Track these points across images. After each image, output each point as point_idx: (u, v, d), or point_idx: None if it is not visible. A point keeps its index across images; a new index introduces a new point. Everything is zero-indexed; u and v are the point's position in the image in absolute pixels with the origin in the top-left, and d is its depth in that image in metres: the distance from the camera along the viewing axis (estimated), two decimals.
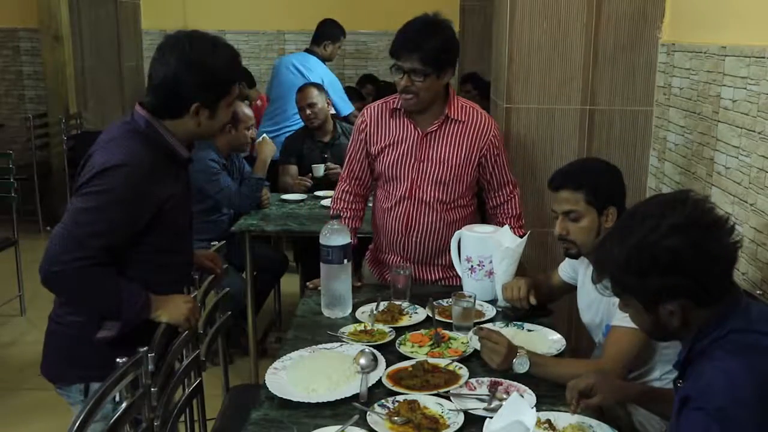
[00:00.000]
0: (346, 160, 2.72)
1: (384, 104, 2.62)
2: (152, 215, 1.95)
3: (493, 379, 1.91)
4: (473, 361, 2.03)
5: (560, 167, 2.26)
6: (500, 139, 2.63)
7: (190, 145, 2.10)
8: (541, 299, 2.42)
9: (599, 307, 2.19)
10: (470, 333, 2.13)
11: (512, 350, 1.93)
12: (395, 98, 2.58)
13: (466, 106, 2.59)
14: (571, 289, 2.40)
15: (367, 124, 2.62)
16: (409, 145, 2.55)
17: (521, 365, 1.91)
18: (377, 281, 2.75)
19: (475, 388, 1.88)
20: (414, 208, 2.58)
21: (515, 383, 1.87)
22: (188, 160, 2.09)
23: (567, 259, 2.39)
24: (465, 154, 2.55)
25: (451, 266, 2.59)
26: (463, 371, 1.95)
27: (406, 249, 2.63)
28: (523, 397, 1.77)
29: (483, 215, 2.82)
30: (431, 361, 1.99)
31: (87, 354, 1.97)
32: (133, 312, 1.94)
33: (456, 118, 2.55)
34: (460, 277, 2.56)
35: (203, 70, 1.93)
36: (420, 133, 2.55)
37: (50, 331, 2.06)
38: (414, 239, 2.61)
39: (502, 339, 1.96)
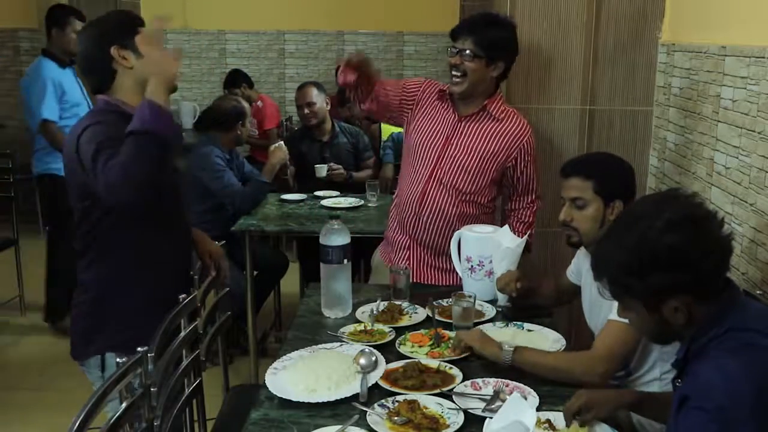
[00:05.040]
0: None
1: (436, 85, 2.72)
2: None
3: (499, 380, 1.91)
4: (474, 361, 2.03)
5: (565, 160, 2.28)
6: (533, 147, 2.68)
7: None
8: (548, 302, 2.46)
9: (602, 306, 2.18)
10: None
11: (484, 335, 2.05)
12: (445, 85, 2.68)
13: (507, 109, 2.67)
14: (579, 291, 2.41)
15: (421, 87, 2.72)
16: (444, 124, 2.64)
17: (507, 343, 2.00)
18: (385, 266, 2.76)
19: (480, 388, 1.88)
20: (431, 187, 2.62)
21: (521, 385, 1.88)
22: None
23: (574, 260, 2.39)
24: (493, 150, 2.61)
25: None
26: (455, 371, 1.95)
27: (416, 228, 2.66)
28: (526, 399, 1.77)
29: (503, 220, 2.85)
30: (423, 361, 1.99)
31: (96, 326, 2.13)
32: (154, 118, 1.95)
33: (494, 114, 2.62)
34: (455, 275, 2.59)
35: (98, 28, 2.17)
36: (456, 116, 2.63)
37: (71, 316, 2.24)
38: (425, 218, 2.64)
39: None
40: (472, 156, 2.60)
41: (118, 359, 1.74)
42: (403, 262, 2.71)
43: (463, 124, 2.62)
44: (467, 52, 2.53)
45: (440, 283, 2.70)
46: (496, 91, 2.66)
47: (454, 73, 2.57)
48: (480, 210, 2.67)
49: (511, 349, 1.96)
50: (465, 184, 2.61)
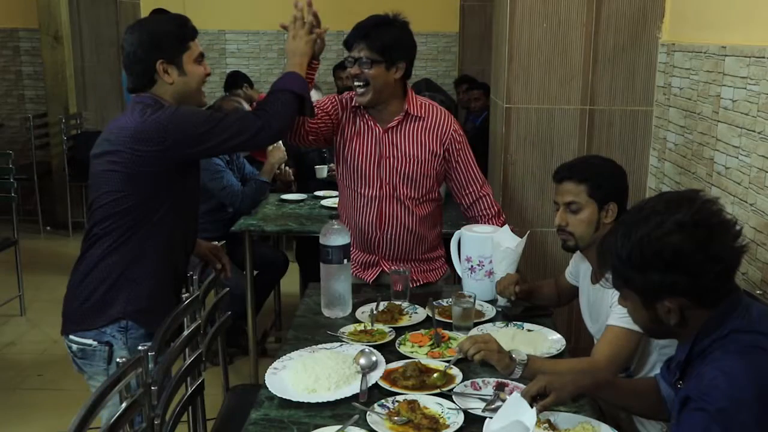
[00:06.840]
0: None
1: (347, 99, 2.60)
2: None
3: (499, 380, 1.90)
4: (474, 361, 2.03)
5: (565, 161, 2.28)
6: (461, 134, 2.63)
7: None
8: (549, 303, 2.47)
9: (600, 310, 2.19)
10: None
11: (501, 348, 1.97)
12: (351, 94, 2.57)
13: (425, 104, 2.61)
14: (578, 292, 2.41)
15: (339, 106, 2.59)
16: (372, 141, 2.55)
17: (519, 353, 1.94)
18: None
19: (480, 388, 1.88)
20: (387, 205, 2.57)
21: (521, 385, 1.87)
22: None
23: (571, 261, 2.39)
24: (429, 149, 2.56)
25: (425, 260, 2.66)
26: (455, 371, 1.95)
27: (381, 246, 2.63)
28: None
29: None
30: (423, 361, 1.99)
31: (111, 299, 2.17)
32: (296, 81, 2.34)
33: (416, 114, 2.56)
34: (434, 272, 2.66)
35: (150, 32, 2.16)
36: (381, 129, 2.55)
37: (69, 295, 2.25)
38: (389, 236, 2.60)
39: (484, 336, 2.03)
40: (414, 163, 2.54)
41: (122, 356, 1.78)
42: (376, 277, 2.67)
43: (390, 134, 2.54)
44: (364, 59, 2.42)
45: (414, 285, 2.65)
46: (407, 90, 2.57)
47: (356, 83, 2.46)
48: (434, 204, 2.65)
49: (523, 364, 1.93)
50: (415, 191, 2.57)
